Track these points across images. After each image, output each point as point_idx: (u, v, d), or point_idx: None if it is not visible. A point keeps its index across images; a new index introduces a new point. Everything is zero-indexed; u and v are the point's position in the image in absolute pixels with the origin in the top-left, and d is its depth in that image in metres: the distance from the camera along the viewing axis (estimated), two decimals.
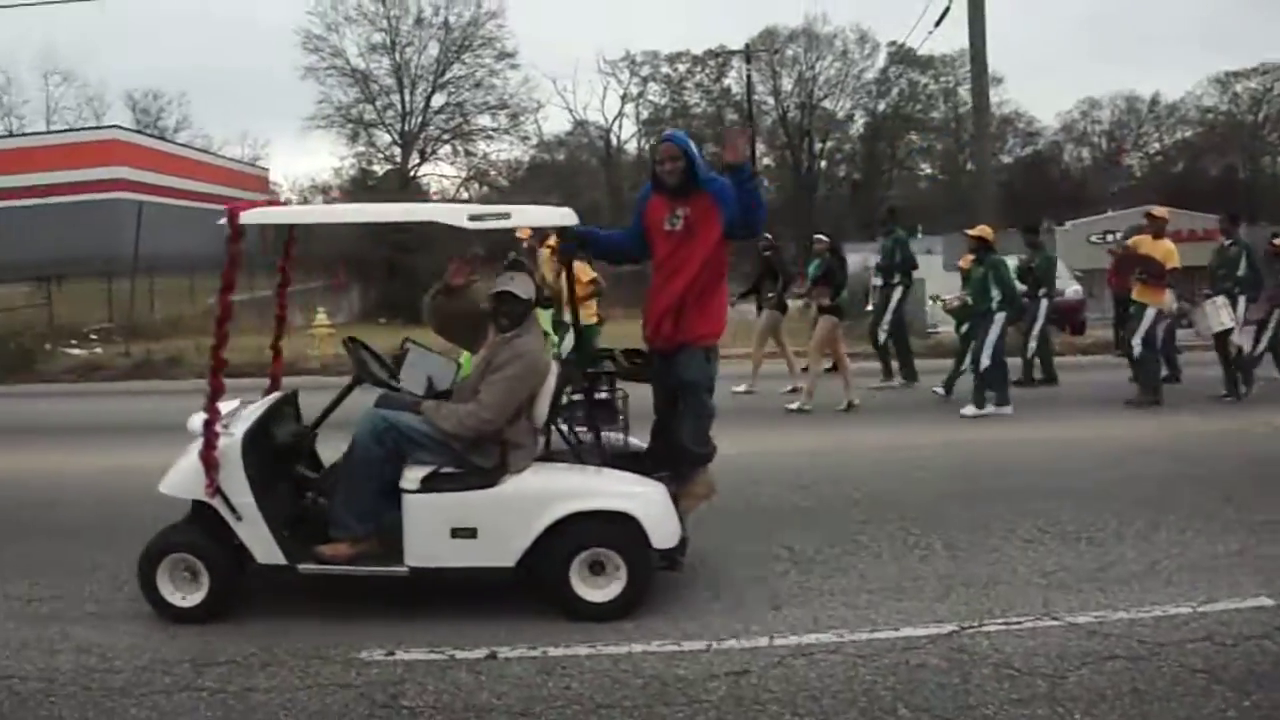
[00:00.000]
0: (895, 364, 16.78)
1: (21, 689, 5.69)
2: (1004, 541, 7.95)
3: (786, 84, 78.24)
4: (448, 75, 66.93)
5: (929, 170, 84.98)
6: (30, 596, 7.19)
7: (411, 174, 66.85)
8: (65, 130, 65.31)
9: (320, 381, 18.70)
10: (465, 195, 69.66)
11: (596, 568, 6.52)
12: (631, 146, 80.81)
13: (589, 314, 13.46)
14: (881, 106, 79.19)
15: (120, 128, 63.06)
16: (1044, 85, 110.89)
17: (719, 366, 7.45)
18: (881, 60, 77.24)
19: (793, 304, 17.44)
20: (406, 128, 66.82)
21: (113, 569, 7.63)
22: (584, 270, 13.27)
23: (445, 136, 68.51)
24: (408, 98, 66.88)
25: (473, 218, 6.60)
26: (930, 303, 18.04)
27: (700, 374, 7.18)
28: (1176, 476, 10.16)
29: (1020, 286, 15.24)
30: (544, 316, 8.33)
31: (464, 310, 7.29)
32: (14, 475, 11.29)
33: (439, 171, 70.87)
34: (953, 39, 76.22)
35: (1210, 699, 5.22)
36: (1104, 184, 78.29)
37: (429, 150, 68.37)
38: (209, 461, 6.45)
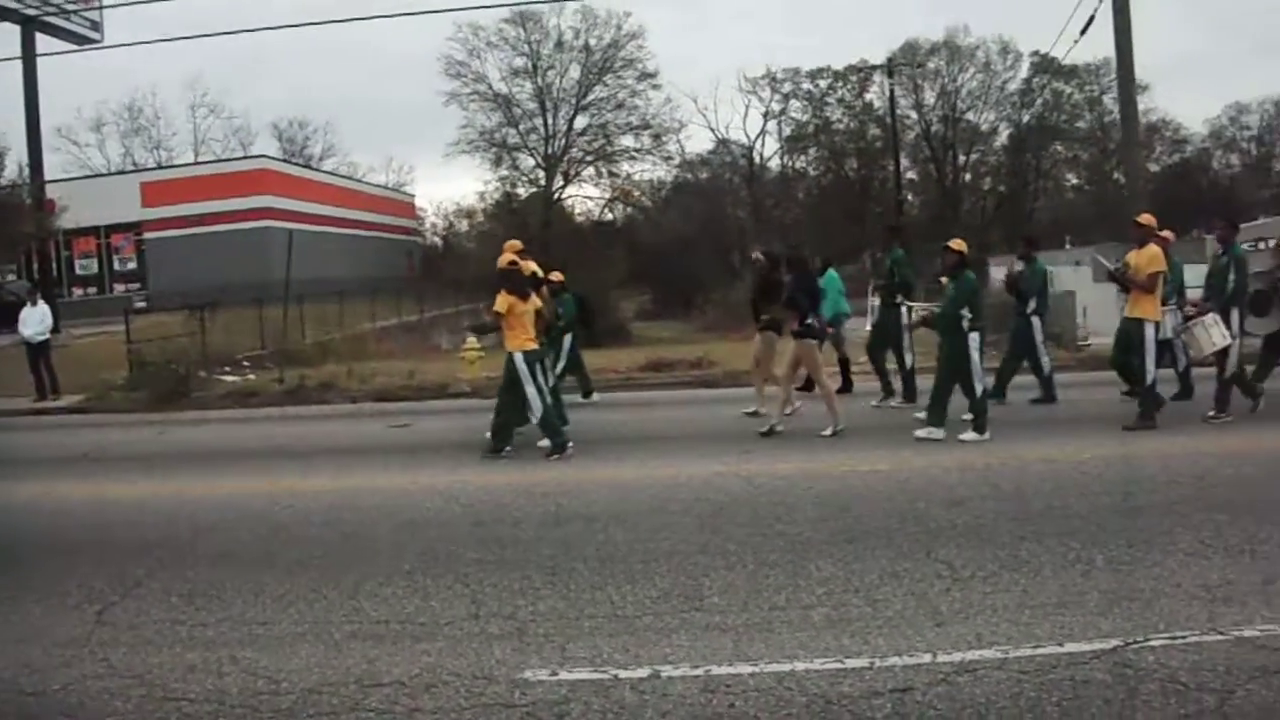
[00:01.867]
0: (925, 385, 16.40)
1: (191, 711, 5.88)
2: (1166, 555, 7.83)
3: (929, 97, 77.80)
4: (590, 97, 67.83)
5: (1075, 181, 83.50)
6: (196, 620, 7.42)
7: (556, 196, 67.62)
8: (214, 161, 67.41)
9: (470, 404, 19.08)
10: (610, 215, 70.37)
11: None
12: (774, 164, 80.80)
13: (525, 340, 13.41)
14: (1025, 118, 78.17)
15: (267, 157, 64.86)
16: (1190, 91, 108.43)
17: None
18: (1024, 71, 76.52)
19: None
20: (550, 150, 67.73)
21: (276, 591, 7.95)
22: (499, 300, 13.30)
23: (589, 158, 69.30)
24: (550, 121, 67.88)
25: None
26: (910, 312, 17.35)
27: None
28: None
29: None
30: None
31: None
32: (174, 500, 11.68)
33: (583, 193, 71.63)
34: (1096, 47, 75.22)
35: None
36: (1254, 190, 76.49)
37: (573, 172, 69.22)
38: None
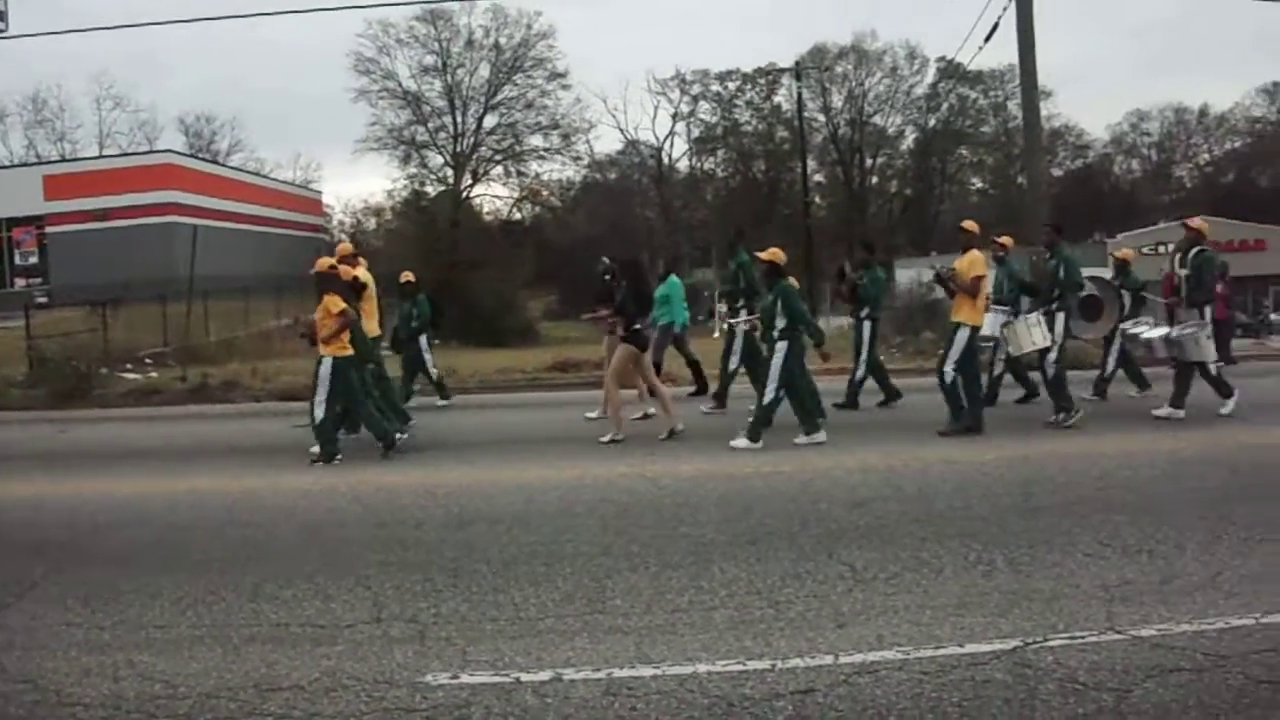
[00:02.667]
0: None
1: (86, 716, 5.74)
2: (1065, 556, 7.94)
3: (836, 101, 78.59)
4: (499, 96, 67.69)
5: (980, 185, 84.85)
6: (92, 623, 7.24)
7: (464, 195, 67.32)
8: (119, 155, 66.43)
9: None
10: (518, 215, 70.24)
11: None
12: (683, 165, 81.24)
13: (339, 347, 13.24)
14: (931, 122, 79.34)
15: (173, 152, 63.91)
16: (1093, 98, 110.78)
17: None
18: (931, 76, 77.69)
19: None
20: (459, 149, 67.46)
21: (174, 593, 7.78)
22: (334, 302, 13.21)
23: (497, 157, 69.17)
24: (460, 119, 67.63)
25: None
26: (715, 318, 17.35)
27: None
28: (1234, 487, 10.13)
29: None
30: None
31: None
32: (73, 500, 11.42)
33: (491, 192, 71.48)
34: (1001, 53, 76.60)
35: (1275, 710, 5.24)
36: (1154, 195, 78.35)
37: (481, 171, 68.99)
38: None
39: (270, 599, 7.64)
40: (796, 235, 55.72)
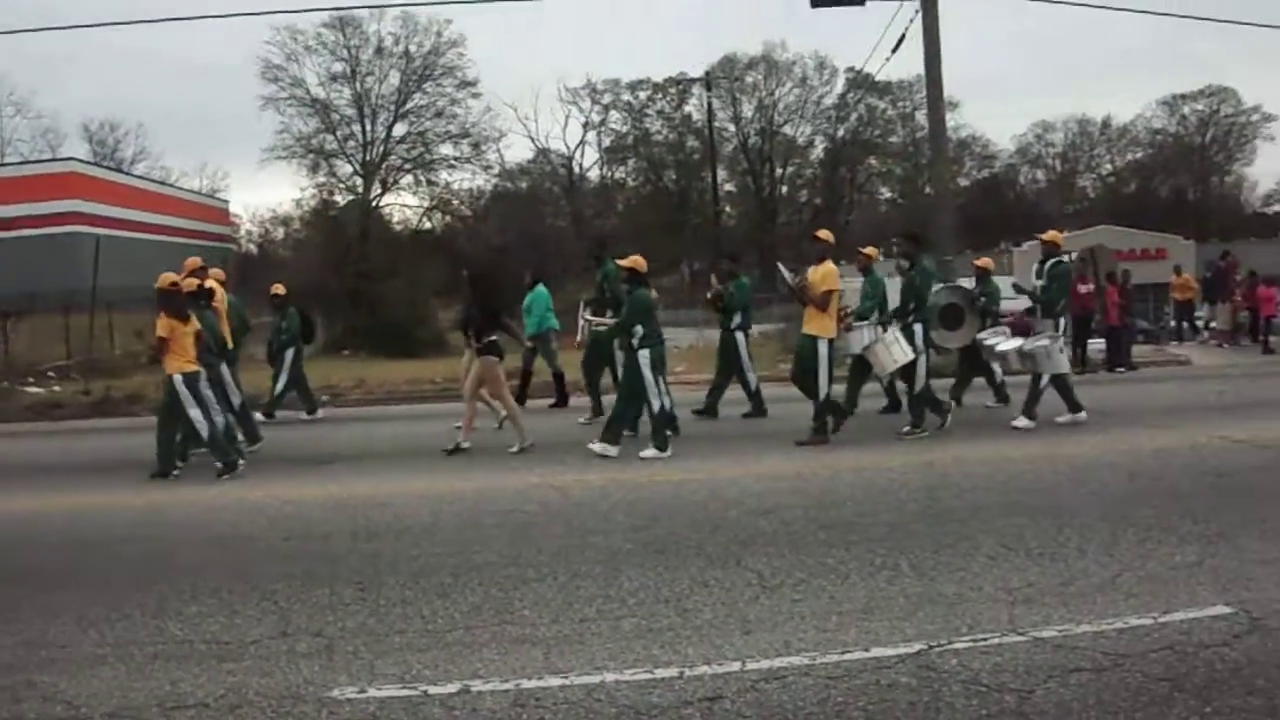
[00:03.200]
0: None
1: None
2: (969, 559, 8.03)
3: (747, 110, 79.30)
4: (409, 104, 67.01)
5: (888, 194, 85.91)
6: None
7: (374, 204, 66.65)
8: (20, 163, 64.73)
9: (284, 416, 18.70)
10: (429, 224, 69.74)
11: None
12: (594, 174, 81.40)
13: (185, 361, 13.22)
14: (841, 132, 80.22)
15: (77, 160, 62.54)
16: (999, 109, 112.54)
17: None
18: (840, 86, 78.49)
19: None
20: (368, 158, 66.66)
21: (78, 611, 7.63)
22: (161, 323, 13.14)
23: (407, 166, 68.46)
24: (369, 127, 66.84)
25: None
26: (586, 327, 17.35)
27: None
28: (1134, 491, 10.34)
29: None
30: None
31: None
32: None
33: (401, 201, 70.80)
34: (909, 64, 77.56)
35: (1173, 707, 5.31)
36: (1058, 205, 79.90)
37: (391, 180, 68.25)
38: None
39: (174, 615, 7.51)
40: (707, 244, 55.98)
